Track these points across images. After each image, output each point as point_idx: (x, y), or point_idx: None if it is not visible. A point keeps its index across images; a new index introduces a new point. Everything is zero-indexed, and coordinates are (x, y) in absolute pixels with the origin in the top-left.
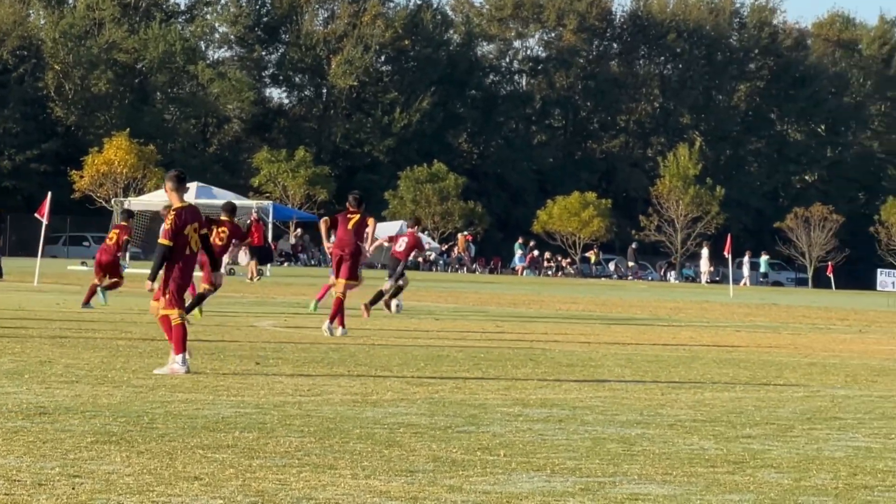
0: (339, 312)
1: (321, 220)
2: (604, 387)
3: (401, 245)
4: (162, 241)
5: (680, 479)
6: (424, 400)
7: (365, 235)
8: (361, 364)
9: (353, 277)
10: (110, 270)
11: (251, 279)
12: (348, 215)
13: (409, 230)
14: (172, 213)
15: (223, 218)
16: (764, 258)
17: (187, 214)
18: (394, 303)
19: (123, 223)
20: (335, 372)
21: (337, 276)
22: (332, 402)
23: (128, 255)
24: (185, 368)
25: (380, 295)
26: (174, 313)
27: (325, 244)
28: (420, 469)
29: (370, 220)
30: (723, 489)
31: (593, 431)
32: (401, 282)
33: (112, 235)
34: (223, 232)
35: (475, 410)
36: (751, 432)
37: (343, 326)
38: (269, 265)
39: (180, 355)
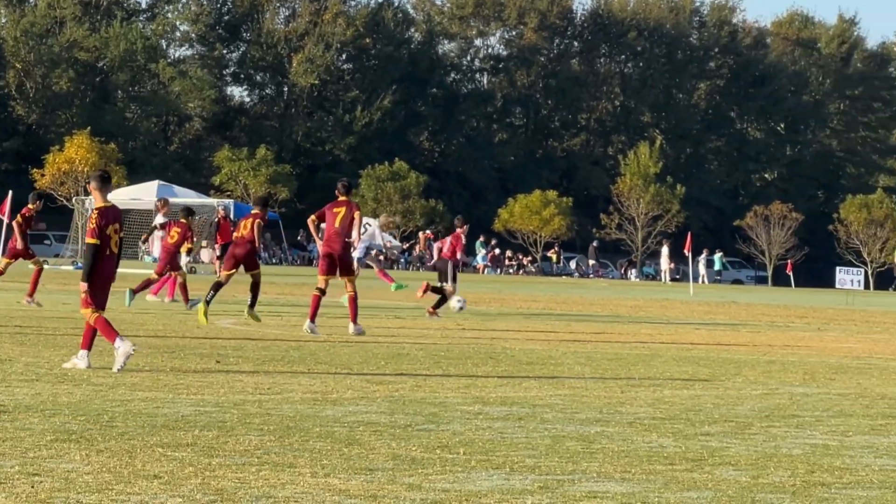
0: (357, 310)
1: (308, 221)
2: (564, 385)
3: (447, 247)
4: (89, 240)
5: (638, 477)
6: (385, 398)
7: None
8: (322, 362)
9: (352, 273)
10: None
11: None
12: (335, 209)
13: (459, 230)
14: (95, 212)
15: (254, 211)
16: (717, 255)
17: (109, 214)
18: (455, 300)
19: (183, 220)
20: (295, 370)
21: (333, 275)
22: (292, 401)
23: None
24: (86, 364)
25: (443, 299)
26: (87, 312)
27: (318, 243)
28: (379, 467)
29: (356, 214)
30: (681, 487)
31: (553, 429)
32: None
33: (173, 234)
34: (245, 227)
35: (435, 409)
36: (709, 430)
37: (356, 323)
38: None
39: (85, 351)
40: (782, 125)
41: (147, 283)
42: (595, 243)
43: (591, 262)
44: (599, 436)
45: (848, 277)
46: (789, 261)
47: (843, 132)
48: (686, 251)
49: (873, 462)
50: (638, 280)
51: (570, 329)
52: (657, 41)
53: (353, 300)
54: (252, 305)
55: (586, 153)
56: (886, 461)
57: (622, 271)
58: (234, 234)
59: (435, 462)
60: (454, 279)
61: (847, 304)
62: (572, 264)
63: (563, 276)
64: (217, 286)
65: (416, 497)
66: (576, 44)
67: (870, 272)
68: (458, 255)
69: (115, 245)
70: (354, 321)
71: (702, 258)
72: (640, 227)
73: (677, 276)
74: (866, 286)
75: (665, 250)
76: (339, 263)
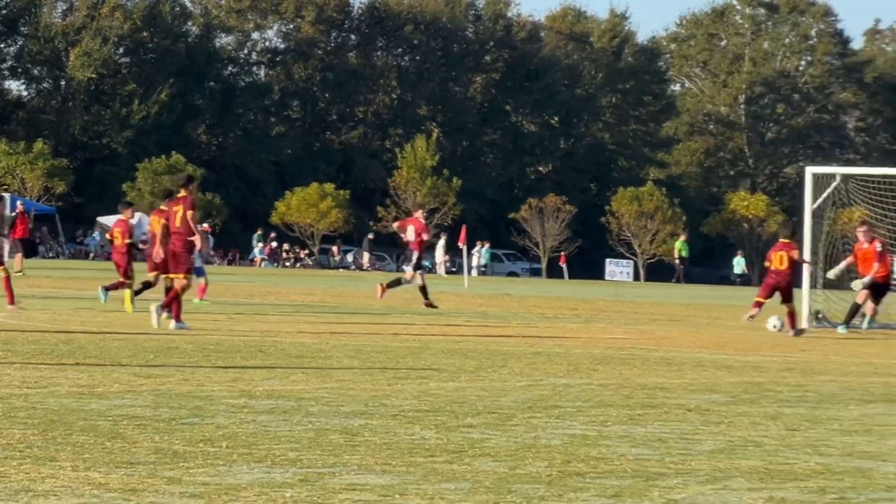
0: (172, 302)
1: (159, 223)
2: (331, 377)
3: (410, 234)
4: None
5: (399, 469)
6: (150, 392)
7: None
8: (91, 356)
9: (188, 272)
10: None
11: (20, 272)
12: (174, 207)
13: (416, 215)
14: None
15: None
16: (484, 248)
17: None
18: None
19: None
20: (64, 364)
21: (171, 272)
22: (57, 395)
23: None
24: None
25: (398, 282)
26: None
27: (156, 247)
28: (141, 461)
29: (189, 214)
30: (440, 478)
31: (317, 422)
32: (408, 274)
33: (117, 234)
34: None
35: (201, 402)
36: (472, 422)
37: (179, 321)
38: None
39: None
40: (556, 118)
41: (142, 289)
42: (371, 235)
43: (367, 254)
44: (363, 428)
45: (618, 269)
46: (563, 253)
47: (615, 125)
48: (461, 244)
49: (629, 451)
50: None
51: (343, 322)
52: (433, 35)
53: (176, 293)
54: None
55: (363, 146)
56: (641, 450)
57: (399, 264)
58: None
59: (197, 455)
60: (418, 266)
61: (616, 296)
62: (349, 257)
63: (341, 270)
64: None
65: (175, 490)
66: (353, 37)
67: (640, 264)
68: (424, 238)
69: None
70: (166, 308)
71: (476, 250)
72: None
73: (453, 269)
74: (636, 278)
75: (441, 243)
76: (174, 260)
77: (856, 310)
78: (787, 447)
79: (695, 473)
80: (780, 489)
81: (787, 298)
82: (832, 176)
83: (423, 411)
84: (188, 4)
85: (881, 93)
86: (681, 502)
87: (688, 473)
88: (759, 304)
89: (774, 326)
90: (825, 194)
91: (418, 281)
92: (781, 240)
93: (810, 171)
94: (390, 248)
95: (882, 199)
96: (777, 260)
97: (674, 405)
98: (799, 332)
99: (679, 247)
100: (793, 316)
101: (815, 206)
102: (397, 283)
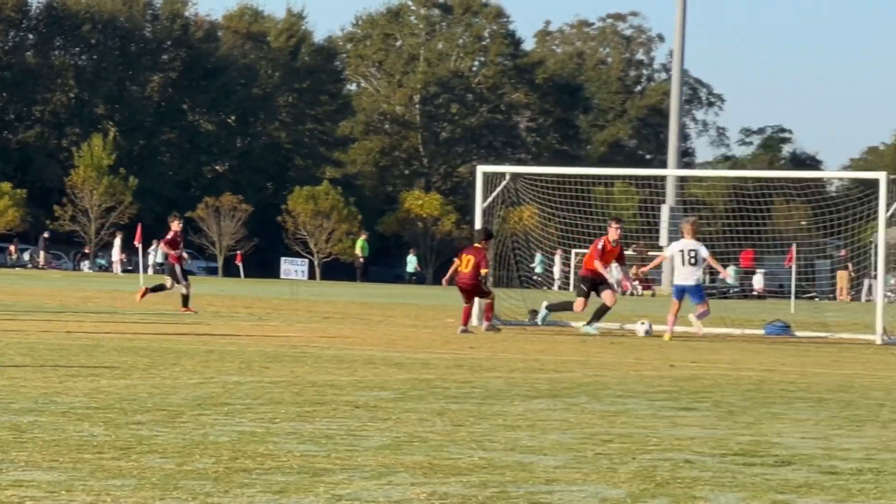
0: None
1: None
2: (1, 375)
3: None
4: None
5: (66, 466)
6: None
7: None
8: None
9: None
10: None
11: None
12: None
13: (175, 228)
14: None
15: None
16: (160, 247)
17: None
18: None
19: None
20: None
21: None
22: None
23: None
24: None
25: (161, 287)
26: None
27: None
28: None
29: None
30: (107, 475)
31: None
32: (169, 283)
33: None
34: None
35: None
36: (141, 419)
37: None
38: None
39: None
40: (233, 117)
41: None
42: (47, 234)
43: (43, 253)
44: (32, 426)
45: (293, 267)
46: (238, 252)
47: (292, 124)
48: (137, 243)
49: (296, 448)
50: (91, 271)
51: (17, 319)
52: (111, 34)
53: None
54: None
55: (40, 145)
56: (308, 447)
57: (76, 262)
58: None
59: None
60: (184, 278)
61: (291, 294)
62: (26, 256)
63: (17, 268)
64: None
65: None
66: (31, 36)
67: (316, 262)
68: (178, 252)
69: None
70: None
71: (152, 249)
72: (93, 218)
73: (129, 268)
74: (311, 276)
75: (118, 241)
76: None
77: (605, 310)
78: (451, 442)
79: (360, 469)
80: (443, 484)
81: (482, 295)
82: (503, 175)
83: (94, 408)
84: None
85: (551, 93)
86: (345, 497)
87: (353, 469)
88: (468, 311)
89: (647, 332)
90: (495, 193)
91: (182, 290)
92: (475, 244)
93: (481, 169)
94: (66, 247)
95: (551, 197)
96: (464, 263)
97: (342, 402)
98: (465, 331)
99: (361, 245)
100: (488, 310)
101: (486, 204)
102: (186, 300)
